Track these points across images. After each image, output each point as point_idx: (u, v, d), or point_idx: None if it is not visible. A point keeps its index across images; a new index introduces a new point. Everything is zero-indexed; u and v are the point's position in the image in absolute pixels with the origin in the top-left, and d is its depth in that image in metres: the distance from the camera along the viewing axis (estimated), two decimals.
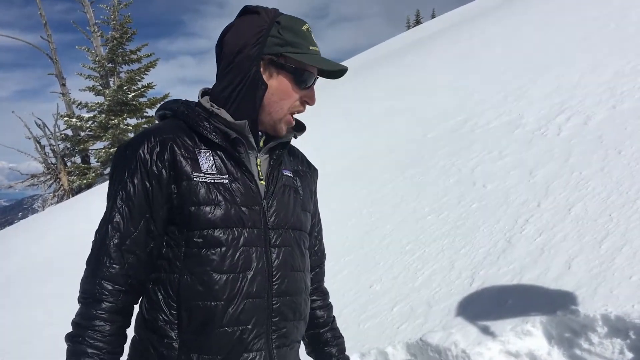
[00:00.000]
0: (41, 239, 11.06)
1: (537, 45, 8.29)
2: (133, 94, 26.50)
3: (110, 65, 26.92)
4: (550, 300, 2.74)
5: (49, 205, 24.57)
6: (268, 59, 1.48)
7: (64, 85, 27.38)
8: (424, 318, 3.07)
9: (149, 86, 27.43)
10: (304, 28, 1.51)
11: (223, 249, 1.44)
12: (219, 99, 1.51)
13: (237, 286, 1.43)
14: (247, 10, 1.53)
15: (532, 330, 2.64)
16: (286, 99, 1.50)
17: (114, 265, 1.40)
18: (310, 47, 1.51)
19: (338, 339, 1.81)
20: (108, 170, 26.33)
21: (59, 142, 26.76)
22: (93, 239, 1.44)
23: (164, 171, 1.43)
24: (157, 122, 1.59)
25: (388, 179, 5.81)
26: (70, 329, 1.40)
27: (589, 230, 3.16)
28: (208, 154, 1.47)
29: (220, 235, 1.44)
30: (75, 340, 1.38)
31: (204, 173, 1.44)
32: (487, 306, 2.95)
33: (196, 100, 1.57)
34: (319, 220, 1.79)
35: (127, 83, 26.41)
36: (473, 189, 4.47)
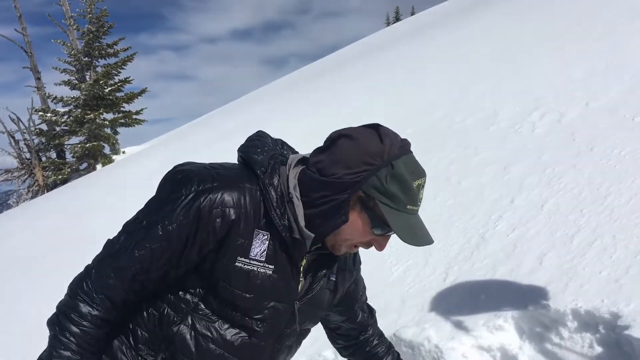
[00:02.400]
0: (14, 234, 10.89)
1: (511, 43, 8.36)
2: (109, 88, 26.22)
3: (86, 59, 26.60)
4: (522, 295, 2.76)
5: (24, 201, 24.21)
6: (361, 195, 1.36)
7: (39, 79, 26.97)
8: (398, 313, 3.08)
9: (126, 80, 27.17)
10: (416, 184, 1.38)
11: (236, 330, 1.43)
12: (305, 188, 1.40)
13: None
14: (377, 131, 1.39)
15: (504, 325, 2.66)
16: (357, 237, 1.42)
17: (121, 291, 1.35)
18: (408, 207, 1.36)
19: None
20: (84, 165, 26.07)
21: (34, 137, 26.40)
22: (111, 245, 1.36)
23: (211, 240, 1.34)
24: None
25: None
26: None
27: (561, 226, 3.19)
28: (266, 237, 1.39)
29: (239, 318, 1.42)
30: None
31: (250, 258, 1.37)
32: (461, 301, 2.97)
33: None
34: (363, 291, 1.85)
35: (103, 77, 26.13)
36: (448, 185, 4.49)
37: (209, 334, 1.41)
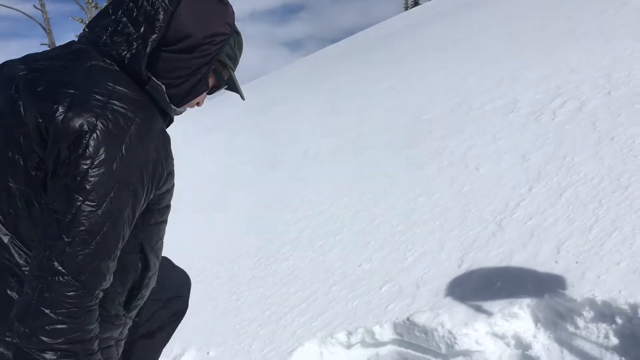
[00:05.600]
0: None
1: (535, 30, 8.25)
2: None
3: None
4: (538, 283, 2.75)
5: None
6: (217, 64, 1.52)
7: None
8: (412, 298, 3.07)
9: None
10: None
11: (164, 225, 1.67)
12: (157, 73, 1.43)
13: None
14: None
15: (519, 313, 2.65)
16: (200, 99, 1.57)
17: (109, 278, 1.35)
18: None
19: None
20: None
21: None
22: (89, 220, 1.25)
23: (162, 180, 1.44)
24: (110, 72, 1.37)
25: (380, 159, 5.80)
26: None
27: (579, 215, 3.16)
28: None
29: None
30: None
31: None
32: (475, 288, 2.96)
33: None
34: None
35: None
36: (465, 172, 4.46)
37: (157, 240, 1.58)
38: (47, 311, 1.22)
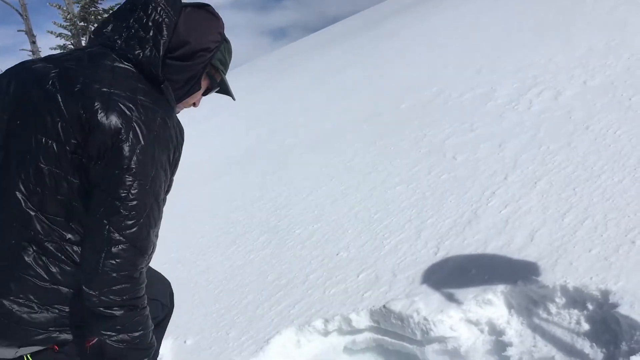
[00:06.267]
0: None
1: (513, 20, 8.30)
2: None
3: (82, 24, 26.25)
4: (512, 270, 2.78)
5: None
6: (210, 68, 1.77)
7: (34, 42, 26.58)
8: (389, 286, 3.10)
9: None
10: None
11: None
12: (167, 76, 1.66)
13: None
14: (209, 11, 1.72)
15: (493, 300, 2.68)
16: (195, 98, 1.83)
17: (155, 244, 1.63)
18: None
19: None
20: None
21: None
22: (140, 196, 1.50)
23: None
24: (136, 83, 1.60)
25: (359, 148, 5.81)
26: None
27: (553, 203, 3.20)
28: None
29: None
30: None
31: None
32: (451, 275, 2.99)
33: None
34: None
35: None
36: (443, 160, 4.49)
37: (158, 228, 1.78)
38: (113, 275, 1.48)
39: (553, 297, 2.53)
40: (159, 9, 1.59)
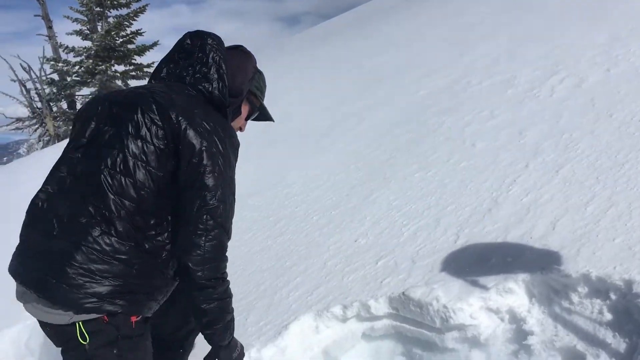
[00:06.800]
0: (25, 183, 10.95)
1: (534, 6, 8.17)
2: (121, 39, 25.94)
3: (98, 9, 26.22)
4: (533, 259, 2.76)
5: (35, 151, 24.29)
6: (250, 95, 2.20)
7: (50, 27, 26.69)
8: (407, 273, 3.08)
9: (137, 32, 26.80)
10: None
11: None
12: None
13: None
14: (243, 50, 2.18)
15: (514, 288, 2.66)
16: (238, 123, 2.22)
17: None
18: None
19: None
20: None
21: (45, 87, 26.24)
22: (226, 191, 1.89)
23: None
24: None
25: (377, 135, 5.78)
26: None
27: (576, 192, 3.16)
28: None
29: None
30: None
31: None
32: (471, 263, 2.97)
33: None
34: None
35: (115, 28, 25.80)
36: (462, 148, 4.45)
37: None
38: (213, 254, 1.86)
39: (575, 286, 2.50)
40: (215, 49, 2.02)
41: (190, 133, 1.82)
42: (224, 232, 1.89)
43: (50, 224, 1.83)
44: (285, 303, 3.30)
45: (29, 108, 26.21)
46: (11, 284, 1.90)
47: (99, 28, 26.25)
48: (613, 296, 2.39)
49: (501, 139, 4.29)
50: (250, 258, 4.15)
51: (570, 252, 2.67)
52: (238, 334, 3.14)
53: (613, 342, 2.29)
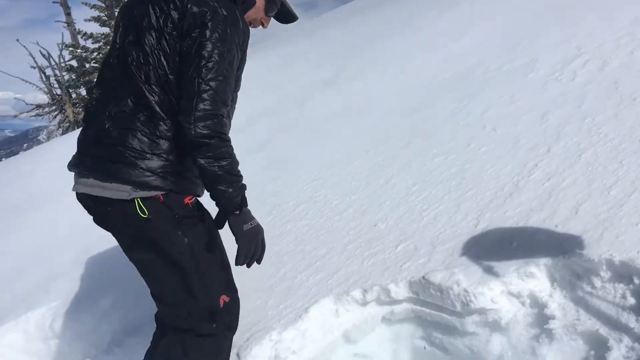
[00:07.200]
0: (43, 169, 11.09)
1: None
2: None
3: None
4: (555, 243, 2.74)
5: (55, 137, 24.52)
6: None
7: (69, 14, 26.83)
8: (428, 257, 3.09)
9: None
10: None
11: None
12: None
13: None
14: None
15: (535, 272, 2.65)
16: (255, 16, 2.41)
17: (230, 105, 2.21)
18: None
19: None
20: None
21: (64, 73, 26.43)
22: (216, 61, 2.06)
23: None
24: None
25: (396, 120, 5.75)
26: None
27: (599, 176, 3.13)
28: None
29: None
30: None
31: None
32: (491, 248, 2.96)
33: None
34: None
35: None
36: (482, 133, 4.42)
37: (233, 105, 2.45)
38: (203, 113, 2.03)
39: (598, 270, 2.49)
40: None
41: (194, 9, 2.06)
42: (216, 94, 2.05)
43: (102, 120, 2.15)
44: (305, 286, 3.32)
45: (48, 95, 26.44)
46: (35, 268, 1.97)
47: (116, 14, 26.35)
48: (637, 281, 2.37)
49: (522, 123, 4.24)
50: (270, 241, 4.14)
51: (593, 236, 2.65)
52: (258, 317, 3.19)
53: (636, 327, 2.28)
